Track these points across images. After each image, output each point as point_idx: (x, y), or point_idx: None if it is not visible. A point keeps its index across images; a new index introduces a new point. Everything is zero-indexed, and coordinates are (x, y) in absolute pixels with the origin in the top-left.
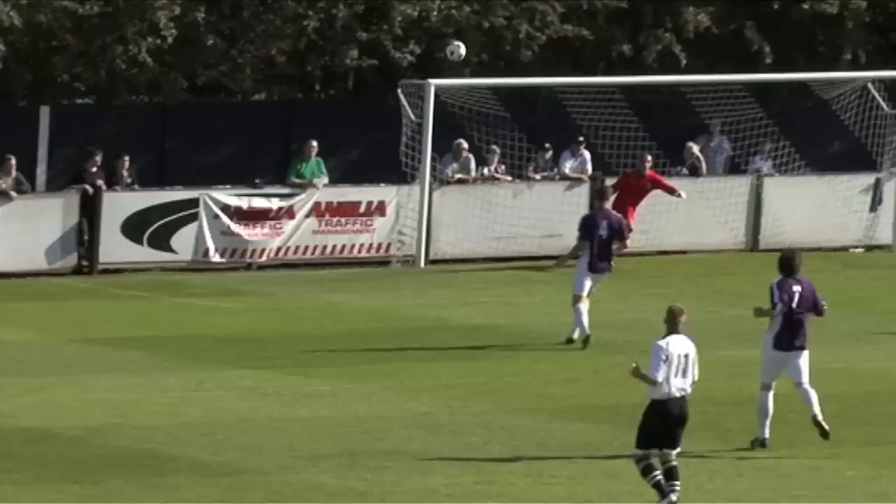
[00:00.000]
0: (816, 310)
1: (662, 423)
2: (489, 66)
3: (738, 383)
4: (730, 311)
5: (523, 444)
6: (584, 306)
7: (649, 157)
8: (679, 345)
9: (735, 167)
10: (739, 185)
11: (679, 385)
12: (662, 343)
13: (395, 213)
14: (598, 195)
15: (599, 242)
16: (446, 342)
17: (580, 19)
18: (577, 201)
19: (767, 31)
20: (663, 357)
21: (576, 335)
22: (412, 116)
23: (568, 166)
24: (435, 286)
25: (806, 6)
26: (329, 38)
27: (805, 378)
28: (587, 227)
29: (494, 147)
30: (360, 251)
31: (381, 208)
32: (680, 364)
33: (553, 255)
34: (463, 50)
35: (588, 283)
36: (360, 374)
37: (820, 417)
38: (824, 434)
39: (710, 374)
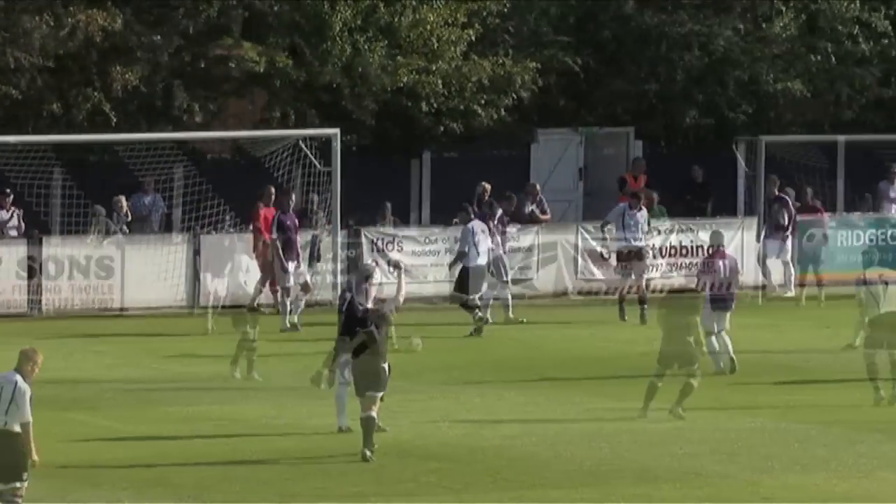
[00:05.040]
0: None
1: None
2: None
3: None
4: (172, 367)
5: None
6: None
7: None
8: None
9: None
10: (177, 242)
11: None
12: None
13: None
14: None
15: None
16: None
17: (8, 77)
18: None
19: (198, 90)
20: None
21: None
22: None
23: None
24: None
25: (233, 65)
26: None
27: None
28: None
29: None
30: None
31: None
32: None
33: None
34: None
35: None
36: None
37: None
38: None
39: (163, 431)
